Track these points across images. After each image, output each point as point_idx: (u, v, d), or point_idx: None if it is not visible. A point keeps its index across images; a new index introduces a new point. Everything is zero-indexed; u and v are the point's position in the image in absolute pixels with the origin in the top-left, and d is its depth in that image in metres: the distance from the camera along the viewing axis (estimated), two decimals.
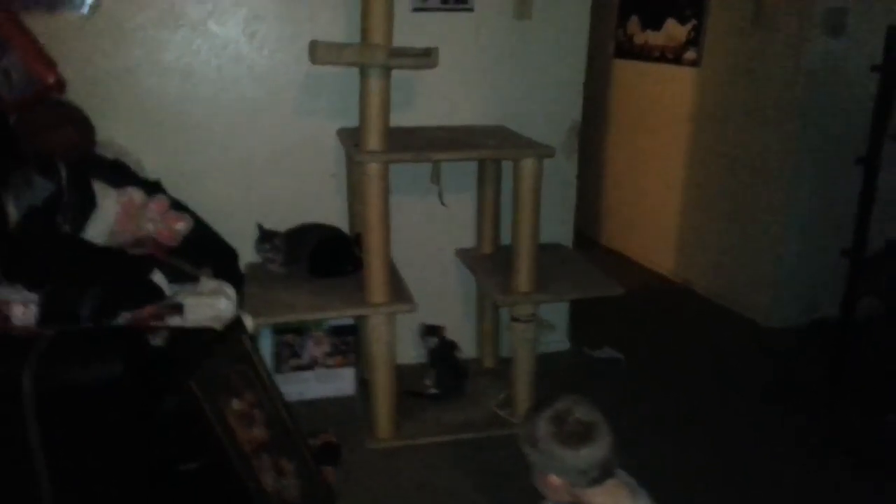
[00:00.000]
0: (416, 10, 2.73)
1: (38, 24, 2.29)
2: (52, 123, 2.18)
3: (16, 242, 1.81)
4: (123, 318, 1.80)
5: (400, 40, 2.38)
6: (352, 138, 2.48)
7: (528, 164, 2.41)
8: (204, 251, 2.27)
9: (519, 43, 2.87)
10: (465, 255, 2.93)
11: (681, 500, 2.20)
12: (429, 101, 2.83)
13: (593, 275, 2.74)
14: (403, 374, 2.65)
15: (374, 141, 2.31)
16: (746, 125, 3.63)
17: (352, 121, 2.66)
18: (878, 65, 2.78)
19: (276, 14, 2.62)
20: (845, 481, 2.41)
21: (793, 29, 3.33)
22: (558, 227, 3.10)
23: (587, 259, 2.93)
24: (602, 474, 1.44)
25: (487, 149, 2.54)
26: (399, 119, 2.64)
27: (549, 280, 2.59)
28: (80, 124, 2.26)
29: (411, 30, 2.64)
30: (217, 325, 1.93)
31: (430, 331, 2.79)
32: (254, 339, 2.11)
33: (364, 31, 2.29)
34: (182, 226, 2.23)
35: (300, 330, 2.70)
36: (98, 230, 2.05)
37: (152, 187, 2.30)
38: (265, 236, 2.57)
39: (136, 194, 2.17)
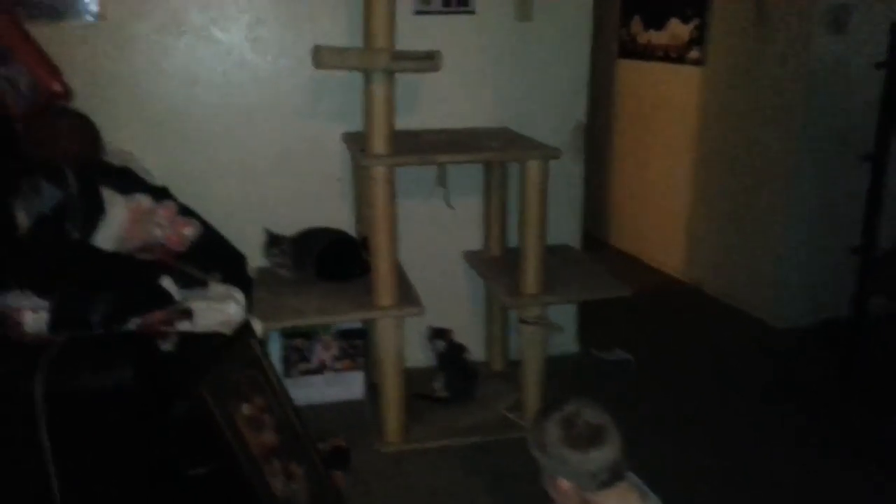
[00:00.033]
0: (419, 13, 2.73)
1: (44, 33, 2.31)
2: (59, 131, 2.18)
3: (26, 250, 1.81)
4: (133, 323, 1.80)
5: (402, 43, 2.39)
6: (357, 142, 2.48)
7: (534, 166, 2.41)
8: (212, 256, 2.26)
9: (521, 44, 2.88)
10: (472, 257, 2.93)
11: (691, 502, 2.19)
12: (433, 104, 2.83)
13: (601, 276, 2.73)
14: (412, 378, 2.64)
15: (379, 144, 2.31)
16: (751, 123, 3.62)
17: (356, 124, 2.67)
18: (882, 61, 2.77)
19: (279, 19, 2.63)
20: (855, 482, 2.40)
21: (795, 27, 3.32)
22: (566, 229, 3.10)
23: (595, 260, 2.93)
24: (612, 477, 1.43)
25: (493, 151, 2.54)
26: (403, 122, 2.64)
27: (557, 282, 2.58)
28: (87, 132, 2.26)
29: (414, 33, 2.64)
30: (226, 330, 1.93)
31: (438, 334, 2.79)
32: (263, 343, 2.11)
33: (367, 36, 2.29)
34: (190, 231, 2.23)
35: (309, 334, 2.70)
36: (107, 236, 2.04)
37: (160, 193, 2.30)
38: (273, 241, 2.57)
39: (143, 200, 2.17)
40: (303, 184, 2.78)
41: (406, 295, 2.47)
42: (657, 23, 4.25)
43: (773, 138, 3.50)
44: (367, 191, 2.37)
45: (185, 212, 2.30)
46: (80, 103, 2.33)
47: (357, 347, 2.78)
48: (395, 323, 2.40)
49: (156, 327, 1.81)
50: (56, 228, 1.90)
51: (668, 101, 4.23)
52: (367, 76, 2.30)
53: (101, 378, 1.61)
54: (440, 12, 2.77)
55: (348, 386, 2.78)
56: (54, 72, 2.24)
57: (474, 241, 2.98)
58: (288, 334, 2.68)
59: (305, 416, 2.15)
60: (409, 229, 2.79)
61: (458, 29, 2.79)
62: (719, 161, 3.88)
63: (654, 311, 3.79)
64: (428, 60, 2.38)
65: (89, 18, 2.45)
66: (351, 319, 2.58)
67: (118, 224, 2.06)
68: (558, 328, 2.66)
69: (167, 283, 1.94)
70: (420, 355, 2.94)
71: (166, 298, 1.88)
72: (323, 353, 2.74)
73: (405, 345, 2.48)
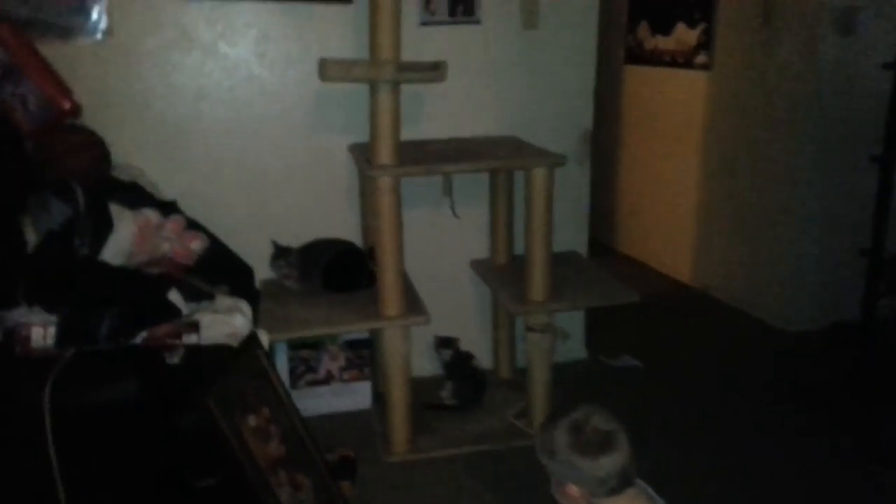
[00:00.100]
0: (424, 24, 2.75)
1: (53, 51, 2.34)
2: (68, 148, 2.22)
3: (34, 266, 1.84)
4: (140, 337, 1.83)
5: (409, 55, 2.41)
6: (364, 153, 2.50)
7: (539, 173, 2.41)
8: (220, 269, 2.29)
9: (527, 53, 2.89)
10: (478, 266, 2.93)
11: None
12: (439, 114, 2.84)
13: (608, 282, 2.72)
14: (419, 387, 2.65)
15: (385, 155, 2.33)
16: (759, 127, 3.60)
17: (363, 136, 2.68)
18: (890, 62, 2.76)
19: (286, 33, 2.66)
20: (866, 485, 2.37)
21: (803, 29, 3.31)
22: (573, 236, 3.10)
23: (602, 266, 2.92)
24: (621, 483, 1.43)
25: (498, 159, 2.55)
26: (410, 133, 2.66)
27: (564, 288, 2.58)
28: (96, 148, 2.30)
29: (420, 44, 2.67)
30: (233, 342, 1.95)
31: (445, 343, 2.80)
32: (269, 354, 2.13)
33: (372, 48, 2.31)
34: (197, 244, 2.26)
35: (315, 345, 2.72)
36: (115, 251, 2.08)
37: (168, 207, 2.33)
38: (280, 253, 2.59)
39: (151, 215, 2.20)
40: (310, 196, 2.80)
41: (412, 304, 2.48)
42: (664, 28, 4.24)
43: (781, 142, 3.48)
44: (374, 201, 2.38)
45: (193, 225, 2.33)
46: (90, 120, 2.37)
47: (364, 358, 2.79)
48: (401, 332, 2.41)
49: (163, 340, 1.83)
50: (64, 244, 1.93)
51: (674, 106, 4.22)
52: (373, 88, 2.31)
53: (107, 392, 1.63)
54: (446, 23, 2.78)
55: (355, 396, 2.79)
56: (64, 89, 2.28)
57: (481, 250, 2.99)
58: (295, 346, 2.69)
59: (313, 427, 2.17)
60: (416, 238, 2.81)
61: (464, 39, 2.81)
62: (726, 165, 3.86)
63: (661, 316, 3.78)
64: (433, 71, 2.40)
65: (99, 36, 2.48)
66: (357, 329, 2.59)
67: (126, 239, 2.09)
68: (565, 335, 2.66)
69: (174, 296, 1.96)
70: (427, 364, 2.95)
71: (173, 312, 1.90)
72: (330, 363, 2.75)
73: (412, 354, 2.49)
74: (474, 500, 2.30)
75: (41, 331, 1.71)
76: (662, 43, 4.27)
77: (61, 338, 1.72)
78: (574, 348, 3.22)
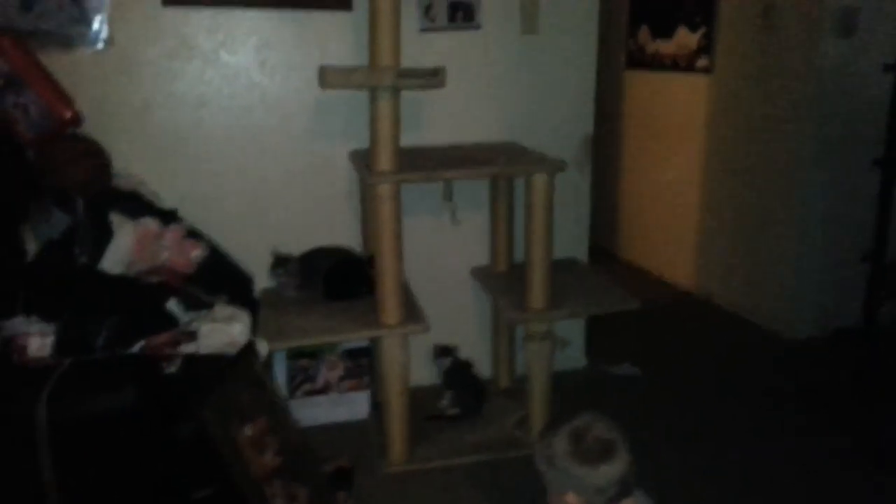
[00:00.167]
0: (424, 30, 2.75)
1: (54, 60, 2.36)
2: (69, 158, 2.23)
3: (32, 275, 1.85)
4: (138, 346, 1.83)
5: (409, 61, 2.41)
6: (364, 160, 2.50)
7: (539, 179, 2.41)
8: (219, 277, 2.30)
9: (527, 58, 2.89)
10: (478, 273, 2.93)
11: None
12: (440, 121, 2.84)
13: (608, 289, 2.72)
14: (418, 397, 2.64)
15: (385, 162, 2.33)
16: (761, 130, 3.59)
17: (363, 143, 2.68)
18: (891, 64, 2.74)
19: (286, 41, 2.66)
20: (870, 491, 2.36)
21: (804, 31, 3.30)
22: (573, 242, 3.09)
23: (602, 273, 2.92)
24: (620, 492, 1.43)
25: (498, 165, 2.54)
26: (410, 139, 2.66)
27: (564, 296, 2.58)
28: (98, 158, 2.31)
29: (420, 50, 2.67)
30: (231, 352, 1.96)
31: (443, 352, 2.79)
32: (267, 364, 2.13)
33: (372, 54, 2.31)
34: (197, 253, 2.27)
35: (314, 354, 2.72)
36: (114, 260, 2.09)
37: (168, 216, 2.34)
38: (279, 261, 2.59)
39: (151, 224, 2.21)
40: (311, 203, 2.81)
41: (411, 312, 2.47)
42: (665, 32, 4.23)
43: (783, 145, 3.47)
44: (374, 208, 2.38)
45: (193, 234, 2.34)
46: (91, 129, 2.38)
47: (363, 367, 2.78)
48: (400, 341, 2.41)
49: (160, 349, 1.84)
50: (64, 253, 1.94)
51: (676, 110, 4.21)
52: (373, 94, 2.32)
53: (103, 402, 1.64)
54: (446, 29, 2.79)
55: (354, 406, 2.78)
56: (65, 98, 2.29)
57: (481, 257, 2.99)
58: (293, 355, 2.69)
59: (310, 437, 2.17)
60: (416, 246, 2.81)
61: (464, 45, 2.81)
62: (728, 170, 3.85)
63: (663, 323, 3.77)
64: (433, 77, 2.39)
65: (100, 46, 2.49)
66: (356, 338, 2.59)
67: (126, 247, 2.10)
68: (565, 343, 2.65)
69: (173, 305, 1.97)
70: (426, 373, 2.94)
71: (171, 321, 1.91)
72: (328, 373, 2.75)
73: (411, 363, 2.49)
74: None
75: (39, 340, 1.72)
76: (663, 47, 4.26)
77: (59, 347, 1.73)
78: (574, 356, 3.21)
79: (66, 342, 1.74)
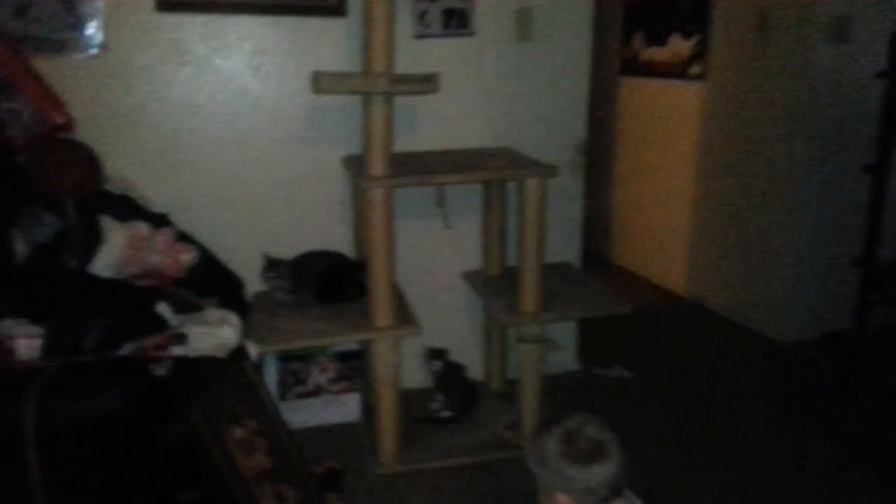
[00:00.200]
0: (419, 37, 2.77)
1: (48, 65, 2.37)
2: (61, 162, 2.23)
3: (21, 278, 1.86)
4: (127, 349, 1.84)
5: (403, 68, 2.43)
6: (357, 165, 2.52)
7: (532, 184, 2.42)
8: (210, 281, 2.31)
9: (521, 64, 2.90)
10: (470, 277, 2.94)
11: None
12: (433, 126, 2.86)
13: (600, 293, 2.72)
14: (410, 399, 2.65)
15: (377, 167, 2.34)
16: (753, 137, 3.61)
17: (356, 149, 2.70)
18: (883, 71, 2.76)
19: (280, 47, 2.68)
20: (861, 494, 2.37)
21: (797, 38, 3.32)
22: (566, 246, 3.11)
23: (595, 277, 2.93)
24: (610, 494, 1.44)
25: (490, 170, 2.55)
26: (404, 145, 2.68)
27: (556, 299, 2.59)
28: (89, 163, 2.31)
29: (414, 57, 2.69)
30: (220, 354, 1.97)
31: (435, 354, 2.80)
32: (258, 366, 2.14)
33: (366, 60, 2.33)
34: (188, 257, 2.28)
35: (305, 357, 2.72)
36: (105, 263, 2.09)
37: (159, 220, 2.35)
38: (271, 265, 2.60)
39: (142, 228, 2.22)
40: (304, 208, 2.82)
41: (403, 315, 2.48)
42: (659, 39, 4.26)
43: (775, 151, 3.49)
44: (366, 212, 2.39)
45: (184, 238, 2.35)
46: (83, 133, 2.39)
47: (354, 369, 2.79)
48: (391, 344, 2.42)
49: (150, 352, 1.85)
50: (53, 257, 1.95)
51: (669, 116, 4.24)
52: (366, 100, 2.33)
53: (92, 404, 1.64)
54: (440, 35, 2.80)
55: (345, 408, 2.79)
56: (57, 103, 2.30)
57: (473, 261, 3.00)
58: (284, 357, 2.70)
59: (301, 439, 2.17)
60: (409, 250, 2.82)
61: (459, 51, 2.83)
62: (721, 176, 3.87)
63: (655, 327, 3.78)
64: (426, 83, 2.41)
65: (93, 51, 2.51)
66: (347, 341, 2.59)
67: (116, 251, 2.11)
68: (557, 346, 2.66)
69: (163, 308, 1.98)
70: (418, 376, 2.95)
71: (160, 323, 1.92)
72: (319, 375, 2.75)
73: (403, 366, 2.49)
74: None
75: (26, 342, 1.72)
76: (657, 54, 4.29)
77: (47, 350, 1.74)
78: (566, 360, 3.22)
79: (55, 345, 1.75)
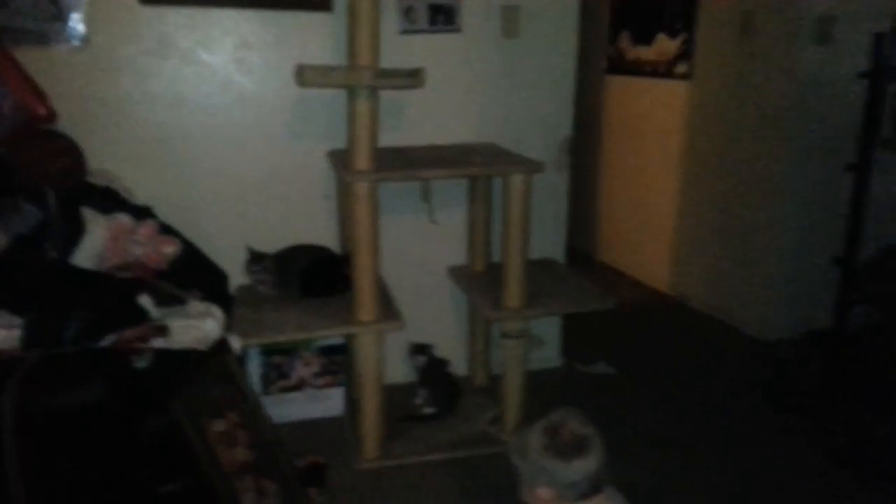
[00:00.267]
0: (405, 32, 2.77)
1: (30, 57, 2.34)
2: (43, 154, 2.22)
3: (2, 269, 1.84)
4: (108, 340, 1.83)
5: (390, 63, 2.43)
6: (342, 160, 2.52)
7: (517, 180, 2.43)
8: (193, 274, 2.30)
9: (508, 61, 2.91)
10: (455, 272, 2.94)
11: None
12: (419, 122, 2.86)
13: (584, 289, 2.74)
14: (393, 394, 2.65)
15: (362, 161, 2.34)
16: (738, 136, 3.64)
17: (341, 143, 2.70)
18: (864, 71, 2.79)
19: (265, 40, 2.67)
20: (841, 492, 2.39)
21: (781, 38, 3.35)
22: (551, 243, 3.12)
23: (579, 274, 2.94)
24: (591, 488, 1.45)
25: (476, 166, 2.56)
26: (390, 139, 2.68)
27: (540, 295, 2.60)
28: (72, 154, 2.30)
29: (400, 52, 2.69)
30: (202, 347, 1.96)
31: (419, 349, 2.80)
32: (241, 360, 2.13)
33: (351, 54, 2.33)
34: (170, 249, 2.27)
35: (289, 351, 2.72)
36: (86, 255, 2.08)
37: (142, 213, 2.34)
38: (255, 258, 2.60)
39: (124, 219, 2.21)
40: (288, 202, 2.81)
41: (387, 310, 2.49)
42: (645, 39, 4.28)
43: (759, 150, 3.52)
44: (351, 207, 2.39)
45: (167, 230, 2.34)
46: (66, 126, 2.37)
47: (338, 364, 2.79)
48: (375, 338, 2.42)
49: (131, 344, 1.84)
50: (34, 248, 1.93)
51: (655, 115, 4.26)
52: (351, 94, 2.33)
53: (72, 396, 1.63)
54: (426, 31, 2.80)
55: (328, 402, 2.79)
56: (39, 95, 2.28)
57: (458, 256, 3.01)
58: (268, 351, 2.69)
59: (284, 433, 2.17)
60: (394, 244, 2.82)
61: (445, 47, 2.83)
62: (705, 174, 3.89)
63: (638, 324, 3.80)
64: (411, 78, 2.41)
65: (76, 43, 2.49)
66: (330, 335, 2.59)
67: (98, 242, 2.10)
68: (541, 342, 2.67)
69: (144, 300, 1.97)
70: (402, 371, 2.95)
71: (142, 315, 1.91)
72: (303, 369, 2.75)
73: (387, 361, 2.49)
74: None
75: (6, 334, 1.71)
76: (643, 53, 4.31)
77: (27, 341, 1.72)
78: (550, 356, 3.24)
79: (34, 336, 1.73)
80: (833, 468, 2.50)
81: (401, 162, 2.51)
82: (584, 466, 1.43)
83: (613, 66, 4.61)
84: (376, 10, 2.26)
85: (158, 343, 1.87)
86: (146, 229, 2.23)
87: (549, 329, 3.19)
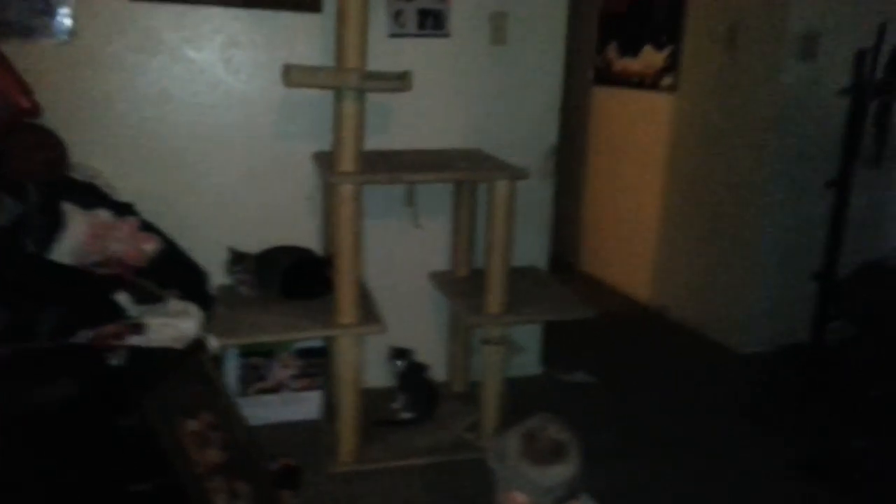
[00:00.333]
0: (393, 35, 2.77)
1: (16, 50, 2.33)
2: (25, 147, 2.21)
3: None
4: (83, 336, 1.81)
5: (378, 65, 2.44)
6: (327, 161, 2.51)
7: (501, 186, 2.44)
8: (173, 272, 2.29)
9: (495, 68, 2.92)
10: (438, 278, 2.94)
11: None
12: (406, 126, 2.87)
13: (565, 298, 2.75)
14: (372, 398, 2.64)
15: (347, 162, 2.34)
16: (721, 150, 3.67)
17: (327, 145, 2.69)
18: (844, 88, 2.82)
19: (253, 40, 2.67)
20: (815, 501, 2.40)
21: (766, 53, 3.38)
22: (534, 251, 3.12)
23: (560, 282, 2.95)
24: (568, 495, 1.45)
25: (460, 170, 2.57)
26: (376, 143, 2.68)
27: (521, 302, 2.60)
28: (54, 148, 2.29)
29: (389, 55, 2.69)
30: (179, 346, 1.95)
31: (399, 354, 2.79)
32: (217, 360, 2.12)
33: (339, 55, 2.33)
34: (150, 246, 2.26)
35: (267, 353, 2.70)
36: (65, 250, 2.07)
37: (123, 209, 2.33)
38: (237, 258, 2.59)
39: (104, 215, 2.20)
40: (272, 203, 2.80)
41: (368, 313, 2.48)
42: (632, 50, 4.31)
43: (741, 164, 3.55)
44: (335, 209, 2.39)
45: (148, 228, 2.32)
46: (50, 120, 2.35)
47: (316, 367, 2.78)
48: (354, 341, 2.41)
49: (106, 341, 1.82)
50: (12, 241, 1.92)
51: (640, 127, 4.29)
52: (338, 95, 2.33)
53: (45, 391, 1.62)
54: (415, 35, 2.81)
55: (305, 405, 2.77)
56: (23, 88, 2.26)
57: (442, 262, 3.01)
58: (246, 353, 2.67)
59: (260, 436, 2.16)
60: (377, 248, 2.82)
61: (433, 52, 2.84)
62: (687, 187, 3.92)
63: (617, 334, 3.81)
64: (398, 81, 2.41)
65: (63, 37, 2.48)
66: (310, 336, 2.59)
67: (77, 238, 2.08)
68: (520, 349, 2.67)
69: (122, 297, 1.96)
70: (381, 375, 2.94)
71: (118, 312, 1.90)
72: (281, 372, 2.73)
73: (366, 365, 2.49)
74: None
75: None
76: (630, 64, 4.34)
77: (0, 334, 1.71)
78: (530, 363, 3.24)
79: (8, 329, 1.72)
80: (808, 481, 2.52)
81: (386, 165, 2.51)
82: (562, 472, 1.43)
83: (600, 77, 4.64)
84: (365, 12, 2.26)
85: (135, 340, 1.86)
86: (127, 226, 2.22)
87: (529, 337, 3.19)
